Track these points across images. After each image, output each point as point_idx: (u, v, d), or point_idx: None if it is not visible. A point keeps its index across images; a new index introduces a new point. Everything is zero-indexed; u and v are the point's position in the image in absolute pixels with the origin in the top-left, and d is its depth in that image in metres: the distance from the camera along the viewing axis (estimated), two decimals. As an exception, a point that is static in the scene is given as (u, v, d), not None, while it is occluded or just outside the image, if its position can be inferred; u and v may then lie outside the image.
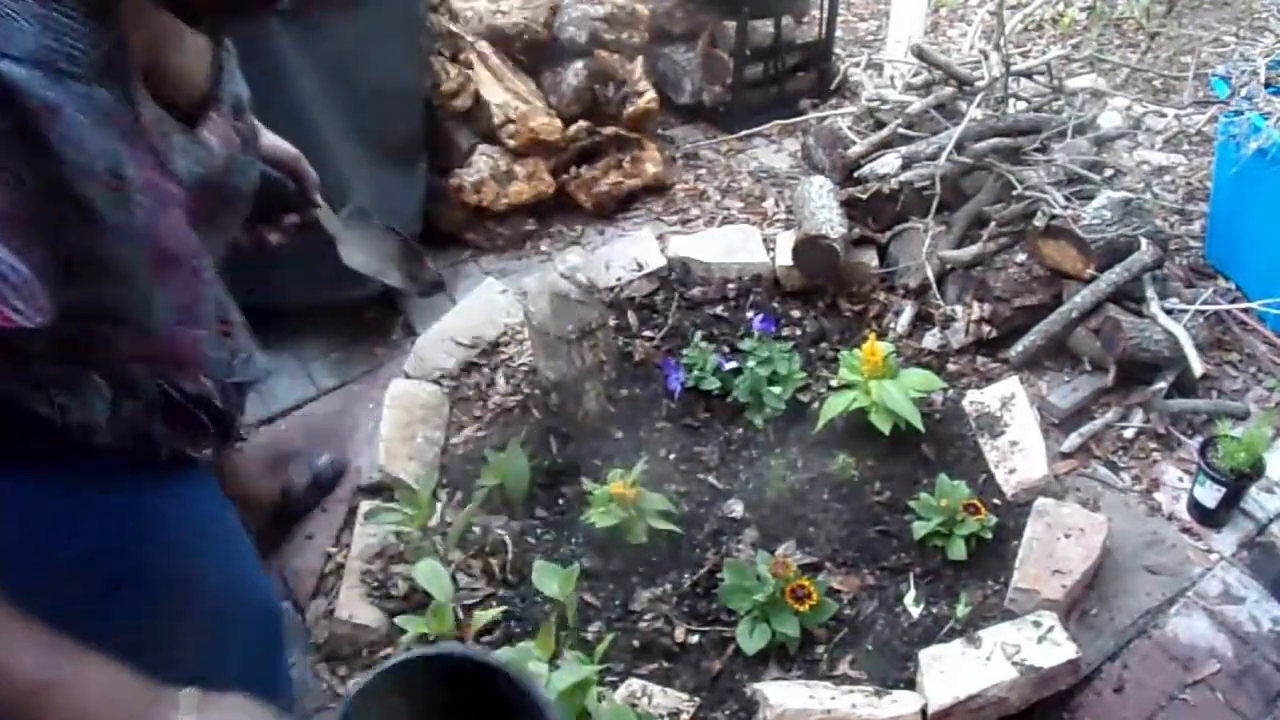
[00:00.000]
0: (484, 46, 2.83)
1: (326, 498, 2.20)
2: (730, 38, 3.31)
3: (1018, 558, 1.92)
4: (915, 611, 1.90)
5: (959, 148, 2.50)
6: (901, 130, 2.71)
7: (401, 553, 2.00)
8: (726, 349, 2.43)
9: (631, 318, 2.53)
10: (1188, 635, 1.91)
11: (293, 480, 2.17)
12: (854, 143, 2.72)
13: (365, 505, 2.08)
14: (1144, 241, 2.39)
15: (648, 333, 2.50)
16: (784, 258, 2.59)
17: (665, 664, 1.82)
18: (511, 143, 2.81)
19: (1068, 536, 1.93)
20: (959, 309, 2.48)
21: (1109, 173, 2.71)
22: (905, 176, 2.54)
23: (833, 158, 2.72)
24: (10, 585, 0.79)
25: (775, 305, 2.59)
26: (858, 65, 3.73)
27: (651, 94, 3.05)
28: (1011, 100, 2.82)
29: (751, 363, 2.30)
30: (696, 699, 1.72)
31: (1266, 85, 2.53)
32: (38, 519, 0.97)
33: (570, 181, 2.99)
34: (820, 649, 1.84)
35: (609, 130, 3.00)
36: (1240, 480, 2.03)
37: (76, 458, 1.00)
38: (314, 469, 2.21)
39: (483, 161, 2.81)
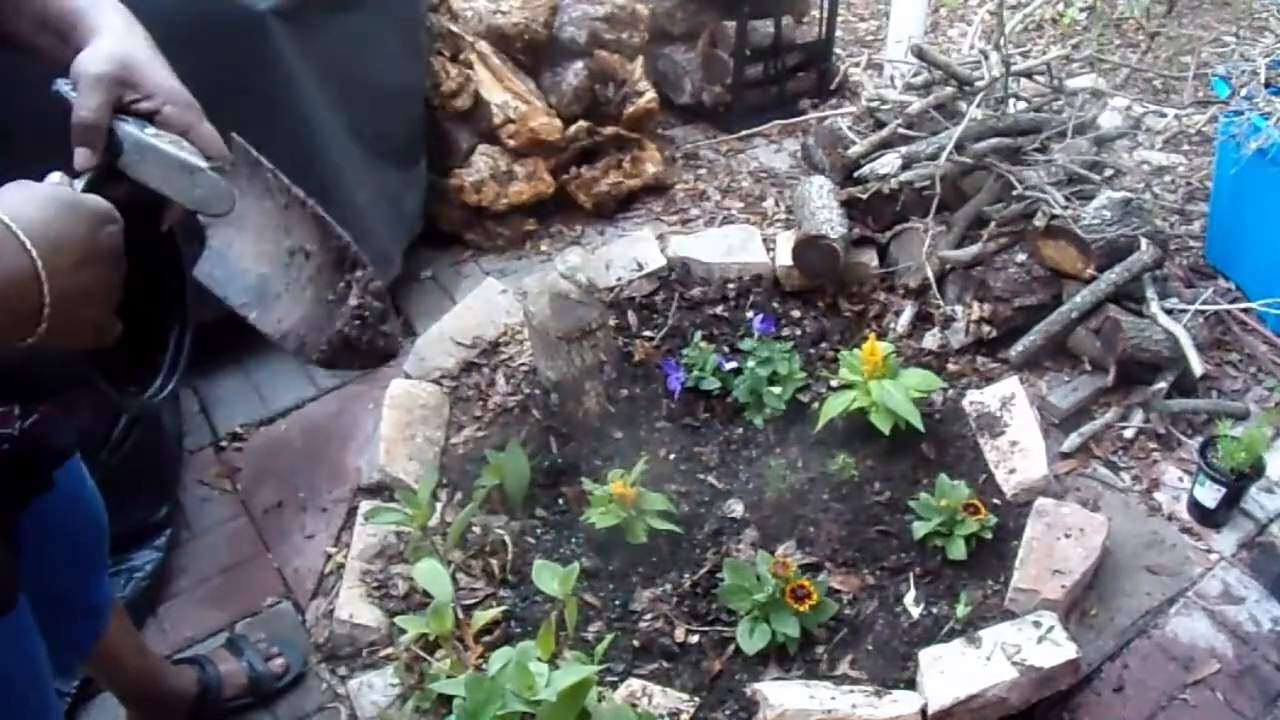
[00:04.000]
0: (484, 46, 2.82)
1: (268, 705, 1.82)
2: (730, 38, 3.31)
3: (1018, 558, 1.92)
4: (915, 611, 1.90)
5: (959, 148, 2.50)
6: (901, 130, 2.70)
7: (401, 553, 2.00)
8: (726, 349, 2.43)
9: (631, 318, 2.53)
10: (1188, 635, 1.91)
11: (223, 676, 1.78)
12: (854, 143, 2.72)
13: (365, 505, 2.08)
14: (1144, 241, 2.39)
15: (648, 333, 2.50)
16: (784, 258, 2.58)
17: (665, 664, 1.82)
18: (511, 143, 2.81)
19: (1068, 536, 1.93)
20: (959, 309, 2.48)
21: (1109, 173, 2.71)
22: (905, 176, 2.54)
23: (833, 158, 2.72)
24: None
25: (775, 305, 2.58)
26: (858, 65, 3.73)
27: (651, 94, 3.05)
28: (1011, 100, 2.81)
29: (751, 363, 2.30)
30: (696, 699, 1.72)
31: (1266, 85, 2.53)
32: None
33: (570, 181, 2.99)
34: (820, 649, 1.85)
35: (609, 130, 3.00)
36: (1240, 480, 2.03)
37: None
38: (254, 670, 1.81)
39: (483, 161, 2.81)
